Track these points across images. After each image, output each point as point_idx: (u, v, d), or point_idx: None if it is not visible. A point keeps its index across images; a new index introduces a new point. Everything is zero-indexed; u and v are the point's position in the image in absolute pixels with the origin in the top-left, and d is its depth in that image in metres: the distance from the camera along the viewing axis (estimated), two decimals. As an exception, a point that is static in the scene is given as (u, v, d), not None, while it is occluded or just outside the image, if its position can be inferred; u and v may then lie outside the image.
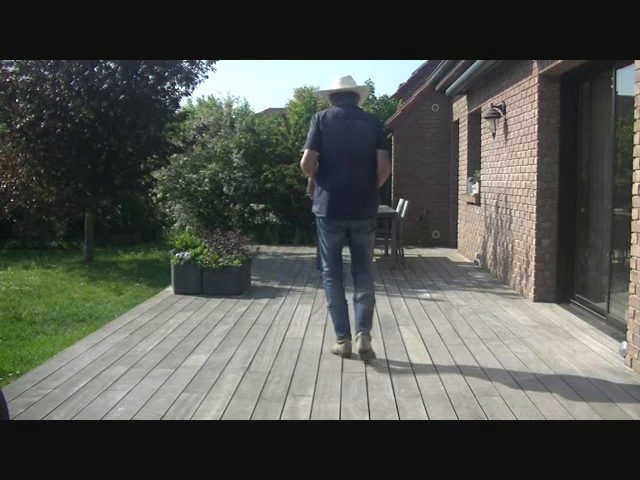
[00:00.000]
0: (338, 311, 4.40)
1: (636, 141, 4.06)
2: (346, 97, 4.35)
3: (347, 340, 4.33)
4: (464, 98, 10.08)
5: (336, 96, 4.39)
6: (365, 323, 4.26)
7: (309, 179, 4.50)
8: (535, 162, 6.20)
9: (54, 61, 8.25)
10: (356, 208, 4.29)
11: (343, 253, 4.55)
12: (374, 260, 9.23)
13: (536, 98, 6.15)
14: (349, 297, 4.46)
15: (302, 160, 4.31)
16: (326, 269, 4.50)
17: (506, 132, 7.32)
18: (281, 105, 15.86)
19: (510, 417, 3.29)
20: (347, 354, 4.31)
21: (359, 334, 4.22)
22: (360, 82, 4.53)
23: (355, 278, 4.44)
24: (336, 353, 4.38)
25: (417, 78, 16.20)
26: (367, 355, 4.21)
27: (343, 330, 4.36)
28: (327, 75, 58.27)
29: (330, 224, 4.33)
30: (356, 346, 4.24)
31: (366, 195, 4.32)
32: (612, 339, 4.83)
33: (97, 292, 6.98)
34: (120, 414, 3.31)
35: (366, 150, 4.25)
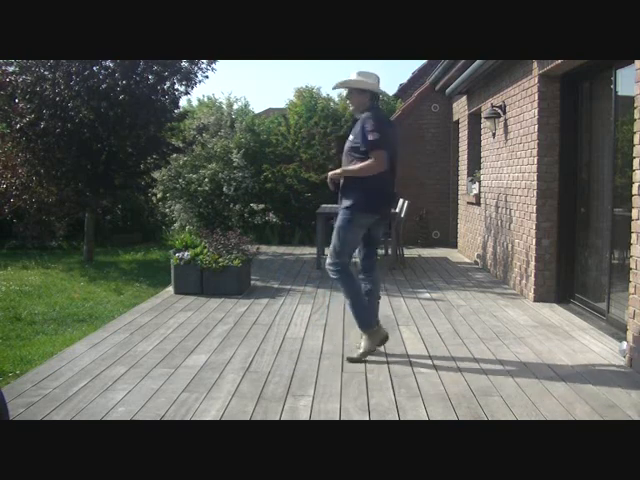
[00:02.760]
0: (365, 302, 4.45)
1: (636, 141, 4.06)
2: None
3: (380, 328, 4.45)
4: (464, 98, 10.08)
5: (376, 97, 4.45)
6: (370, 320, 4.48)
7: (332, 173, 4.44)
8: (535, 162, 6.20)
9: (54, 61, 8.25)
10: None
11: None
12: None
13: (536, 98, 6.15)
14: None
15: (381, 163, 4.19)
16: (342, 265, 4.38)
17: (506, 132, 7.31)
18: (281, 105, 15.87)
19: (510, 417, 3.29)
20: (385, 338, 4.43)
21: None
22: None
23: (370, 275, 4.52)
24: (377, 346, 4.42)
25: (417, 78, 16.20)
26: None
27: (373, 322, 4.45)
28: (327, 75, 58.17)
29: (367, 219, 4.34)
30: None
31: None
32: (612, 339, 4.83)
33: (97, 292, 6.97)
34: (120, 414, 3.31)
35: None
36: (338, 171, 4.40)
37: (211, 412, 3.35)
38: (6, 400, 2.32)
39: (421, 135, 11.78)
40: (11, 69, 8.49)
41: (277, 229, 12.28)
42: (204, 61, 9.11)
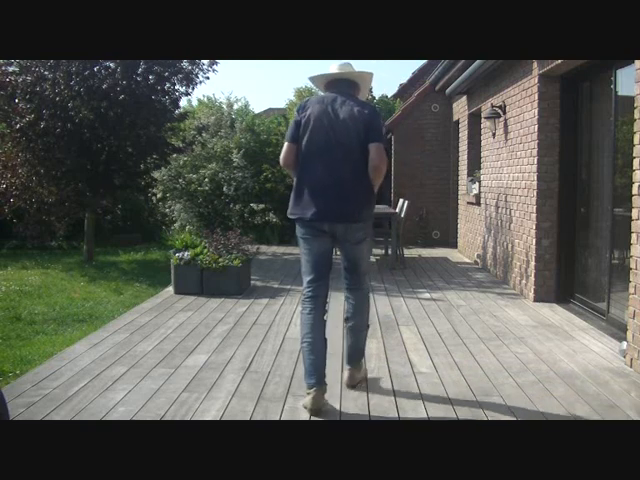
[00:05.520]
0: (311, 349, 3.42)
1: (636, 141, 4.06)
2: (341, 85, 3.62)
3: (318, 392, 3.33)
4: (464, 98, 10.08)
5: (331, 84, 3.67)
6: (353, 359, 3.71)
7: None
8: (535, 162, 6.20)
9: (54, 61, 8.25)
10: (337, 207, 3.44)
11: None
12: (374, 260, 9.24)
13: (536, 98, 6.15)
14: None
15: (281, 156, 3.62)
16: (305, 290, 3.56)
17: (506, 132, 7.31)
18: (281, 105, 15.87)
19: (510, 417, 3.29)
20: (316, 412, 3.30)
21: (348, 367, 3.72)
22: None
23: (347, 297, 3.70)
24: (304, 407, 3.36)
25: (417, 78, 16.18)
26: (354, 386, 3.68)
27: (314, 375, 3.37)
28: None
29: (309, 228, 3.51)
30: (343, 376, 3.77)
31: (352, 194, 3.46)
32: (612, 339, 4.83)
33: (97, 292, 6.97)
34: (120, 414, 3.31)
35: (353, 140, 3.45)
36: None
37: (211, 412, 3.35)
38: (6, 400, 2.32)
39: (421, 135, 11.78)
40: (11, 69, 8.50)
41: (277, 229, 12.28)
42: (205, 62, 9.12)
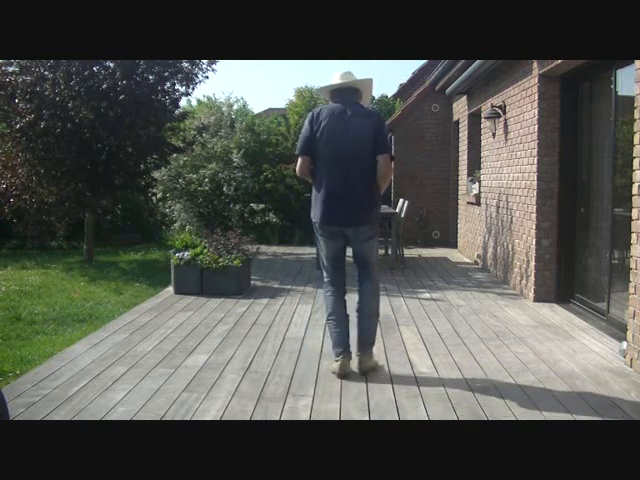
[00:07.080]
0: (336, 324, 4.03)
1: (636, 141, 4.06)
2: (346, 93, 4.03)
3: (345, 359, 3.94)
4: (464, 98, 10.08)
5: (336, 92, 4.07)
6: (365, 343, 4.02)
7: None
8: (535, 162, 6.20)
9: (54, 61, 8.25)
10: (350, 214, 3.96)
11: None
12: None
13: (536, 98, 6.16)
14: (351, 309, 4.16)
15: (297, 168, 4.12)
16: (326, 279, 4.19)
17: (506, 132, 7.31)
18: (281, 105, 15.87)
19: (510, 417, 3.29)
20: (343, 375, 3.90)
21: (359, 354, 4.00)
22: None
23: (359, 287, 4.11)
24: (333, 372, 3.98)
25: (417, 78, 16.18)
26: (367, 373, 3.97)
27: (340, 345, 3.98)
28: (327, 75, 58.18)
29: (325, 230, 4.04)
30: (354, 364, 4.01)
31: (362, 200, 3.97)
32: (612, 339, 4.83)
33: (97, 292, 6.98)
34: (120, 414, 3.31)
35: (364, 151, 3.91)
36: None
37: (211, 412, 3.35)
38: (6, 400, 2.32)
39: (421, 135, 11.78)
40: (11, 69, 8.50)
41: (277, 229, 12.29)
42: (204, 61, 9.12)
